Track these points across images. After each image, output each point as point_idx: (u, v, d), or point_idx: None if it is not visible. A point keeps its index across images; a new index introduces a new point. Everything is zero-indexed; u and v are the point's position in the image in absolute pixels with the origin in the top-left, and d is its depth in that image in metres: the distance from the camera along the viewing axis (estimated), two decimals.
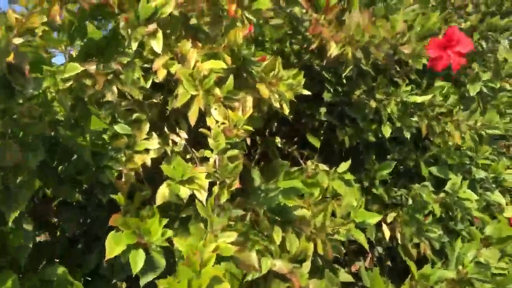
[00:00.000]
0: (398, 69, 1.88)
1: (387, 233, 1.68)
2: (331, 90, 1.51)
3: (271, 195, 0.98)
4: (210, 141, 0.86)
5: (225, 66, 0.91)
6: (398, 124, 1.57)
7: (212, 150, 0.86)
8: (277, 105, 0.99)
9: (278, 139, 1.53)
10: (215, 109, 0.88)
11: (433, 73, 2.08)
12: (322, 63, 1.42)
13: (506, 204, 2.20)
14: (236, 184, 0.84)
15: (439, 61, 1.17)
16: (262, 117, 1.23)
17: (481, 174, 1.93)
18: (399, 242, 1.67)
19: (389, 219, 1.67)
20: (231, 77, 0.90)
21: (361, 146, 1.70)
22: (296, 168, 1.33)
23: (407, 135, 1.60)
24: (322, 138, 1.64)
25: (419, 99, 1.57)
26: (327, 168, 1.44)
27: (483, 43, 1.95)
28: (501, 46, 1.96)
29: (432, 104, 1.61)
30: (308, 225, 1.01)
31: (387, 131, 1.57)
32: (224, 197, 0.83)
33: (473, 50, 1.98)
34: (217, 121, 0.88)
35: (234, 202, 0.95)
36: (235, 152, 0.86)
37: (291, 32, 1.43)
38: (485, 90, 1.94)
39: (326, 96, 1.51)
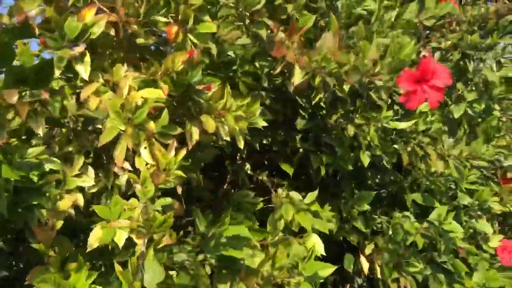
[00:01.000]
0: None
1: (365, 265, 1.50)
2: (305, 115, 1.33)
3: (215, 243, 0.80)
4: (138, 187, 0.68)
5: (163, 96, 0.74)
6: (378, 152, 1.39)
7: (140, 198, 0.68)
8: (227, 138, 0.81)
9: (248, 166, 1.35)
10: (145, 147, 0.70)
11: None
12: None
13: (494, 232, 2.02)
14: (167, 241, 0.66)
15: (413, 97, 0.95)
16: (219, 146, 1.06)
17: (466, 200, 1.75)
18: (379, 275, 1.48)
19: (367, 251, 1.49)
20: (166, 110, 0.73)
21: (339, 175, 1.52)
22: (260, 199, 1.16)
23: (388, 164, 1.42)
24: (297, 165, 1.46)
25: (400, 125, 1.39)
26: (300, 197, 1.27)
27: (468, 62, 1.78)
28: (486, 66, 1.78)
29: (414, 131, 1.43)
30: (256, 275, 0.83)
31: (366, 159, 1.39)
32: (150, 258, 0.65)
33: (457, 71, 1.81)
34: (147, 163, 0.71)
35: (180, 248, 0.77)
36: (167, 200, 0.68)
37: (260, 53, 1.25)
38: (470, 111, 1.76)
39: (299, 124, 1.33)
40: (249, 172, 1.33)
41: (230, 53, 1.28)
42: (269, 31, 1.05)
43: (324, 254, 1.12)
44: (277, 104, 1.30)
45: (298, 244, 1.07)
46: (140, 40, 0.87)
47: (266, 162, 1.47)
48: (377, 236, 1.57)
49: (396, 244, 1.39)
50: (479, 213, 1.77)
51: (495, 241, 1.71)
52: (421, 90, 0.98)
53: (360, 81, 0.95)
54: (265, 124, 0.92)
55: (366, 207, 1.50)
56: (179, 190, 0.75)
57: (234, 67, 1.25)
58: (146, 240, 0.65)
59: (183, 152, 0.70)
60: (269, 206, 1.26)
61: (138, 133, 0.70)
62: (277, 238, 1.05)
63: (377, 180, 1.66)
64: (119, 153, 0.71)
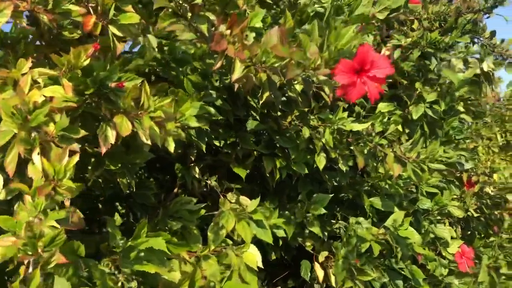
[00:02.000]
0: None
1: (320, 273, 1.43)
2: (257, 116, 1.24)
3: (132, 257, 0.70)
4: (27, 199, 0.58)
5: (65, 94, 0.64)
6: (334, 155, 1.31)
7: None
8: (147, 141, 0.72)
9: (197, 170, 1.25)
10: (38, 153, 0.60)
11: (381, 94, 1.84)
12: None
13: (454, 238, 1.96)
14: (59, 260, 0.56)
15: (351, 89, 0.85)
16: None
17: (426, 204, 1.69)
18: (333, 284, 1.40)
19: (321, 258, 1.41)
20: (64, 111, 0.63)
21: (295, 178, 1.43)
22: (202, 206, 1.07)
23: (343, 167, 1.34)
24: (252, 168, 1.37)
25: (356, 126, 1.31)
26: (248, 202, 1.18)
27: (429, 61, 1.70)
28: (446, 65, 1.71)
29: (371, 133, 1.35)
30: None
31: (321, 162, 1.31)
32: (35, 283, 0.55)
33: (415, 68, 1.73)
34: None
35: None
36: (60, 214, 0.58)
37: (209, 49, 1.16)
38: (430, 113, 1.69)
39: (250, 125, 1.24)
40: (197, 176, 1.23)
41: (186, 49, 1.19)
42: (213, 26, 0.95)
43: (261, 266, 1.03)
44: (228, 104, 1.21)
45: (235, 256, 0.98)
46: (65, 34, 0.77)
47: (220, 166, 1.37)
48: (334, 242, 1.49)
49: (349, 251, 1.31)
50: (439, 217, 1.70)
51: (455, 247, 1.65)
52: (360, 82, 0.88)
53: (300, 76, 0.86)
54: (196, 124, 0.83)
55: (322, 211, 1.41)
56: (67, 203, 0.65)
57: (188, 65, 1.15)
58: (31, 261, 0.55)
59: (75, 159, 0.60)
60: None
61: (32, 137, 0.60)
62: (207, 250, 0.96)
63: (335, 183, 1.58)
64: (10, 161, 0.61)
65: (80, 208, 1.11)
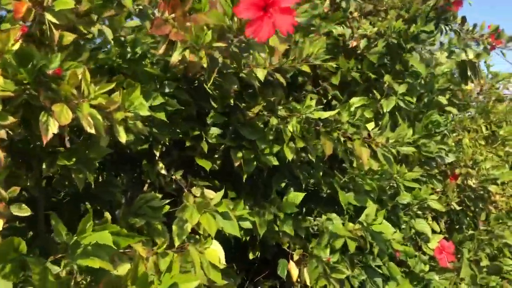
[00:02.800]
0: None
1: (294, 272, 1.41)
2: (218, 108, 1.23)
3: (79, 252, 0.68)
4: None
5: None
6: (301, 145, 1.29)
7: None
8: (91, 130, 0.69)
9: (161, 165, 1.23)
10: None
11: (355, 86, 1.82)
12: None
13: (441, 232, 1.97)
14: None
15: (259, 26, 0.77)
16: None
17: (405, 199, 1.68)
18: (308, 283, 1.39)
19: (295, 256, 1.39)
20: None
21: (266, 171, 1.42)
22: (166, 202, 1.05)
23: (313, 157, 1.33)
24: (221, 162, 1.35)
25: (324, 114, 1.29)
26: (213, 195, 1.16)
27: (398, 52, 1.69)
28: (415, 54, 1.70)
29: (339, 121, 1.33)
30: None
31: (289, 152, 1.29)
32: None
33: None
34: None
35: None
36: None
37: None
38: (402, 104, 1.67)
39: (213, 118, 1.23)
40: (162, 171, 1.21)
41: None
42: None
43: (224, 263, 1.01)
44: (191, 96, 1.19)
45: (198, 252, 0.96)
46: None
47: (187, 160, 1.35)
48: (309, 239, 1.48)
49: (321, 248, 1.30)
50: (419, 212, 1.70)
51: (435, 242, 1.64)
52: (268, 18, 0.81)
53: (230, 44, 0.83)
54: (147, 113, 0.80)
55: (294, 209, 1.40)
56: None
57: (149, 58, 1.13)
58: None
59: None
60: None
61: None
62: (163, 247, 0.94)
63: (311, 180, 1.57)
64: None
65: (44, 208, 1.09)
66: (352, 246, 1.37)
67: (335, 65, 1.67)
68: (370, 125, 1.57)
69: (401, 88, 1.61)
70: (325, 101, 1.76)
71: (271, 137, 1.30)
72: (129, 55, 1.13)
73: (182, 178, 1.24)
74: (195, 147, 1.27)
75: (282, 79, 1.21)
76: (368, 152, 1.24)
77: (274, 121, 1.29)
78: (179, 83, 1.20)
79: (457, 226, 2.26)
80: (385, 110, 1.59)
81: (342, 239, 1.38)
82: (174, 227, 1.04)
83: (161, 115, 1.02)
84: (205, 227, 1.00)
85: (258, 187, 1.54)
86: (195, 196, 1.12)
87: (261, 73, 1.15)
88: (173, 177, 1.24)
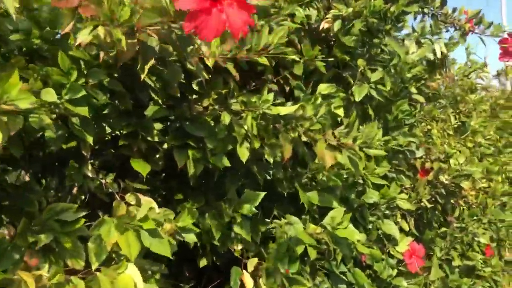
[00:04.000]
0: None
1: (248, 283, 1.30)
2: (159, 100, 1.09)
3: None
4: None
5: None
6: (257, 145, 1.17)
7: None
8: None
9: (89, 167, 1.08)
10: None
11: (321, 75, 1.70)
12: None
13: (407, 230, 1.88)
14: None
15: (204, 21, 0.62)
16: None
17: (372, 198, 1.58)
18: None
19: (250, 267, 1.27)
20: None
21: (217, 173, 1.29)
22: (81, 215, 0.91)
23: (270, 158, 1.21)
24: (165, 162, 1.21)
25: (283, 110, 1.17)
26: (153, 204, 1.02)
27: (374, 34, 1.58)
28: (391, 40, 1.60)
29: (301, 118, 1.21)
30: None
31: (244, 154, 1.17)
32: None
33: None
34: None
35: None
36: None
37: None
38: (374, 93, 1.57)
39: (150, 111, 1.09)
40: (89, 174, 1.06)
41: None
42: None
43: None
44: (124, 85, 1.04)
45: (107, 279, 0.82)
46: None
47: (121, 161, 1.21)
48: (266, 245, 1.36)
49: (279, 257, 1.18)
50: (387, 212, 1.61)
51: (404, 245, 1.55)
52: (218, 11, 0.65)
53: (161, 30, 0.70)
54: (28, 106, 0.66)
55: (253, 210, 1.28)
56: None
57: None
58: None
59: None
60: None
61: None
62: (57, 277, 0.79)
63: (268, 177, 1.45)
64: None
65: None
66: (313, 253, 1.26)
67: (296, 55, 1.55)
68: (340, 112, 1.46)
69: (375, 76, 1.50)
70: (288, 89, 1.64)
71: (222, 135, 1.17)
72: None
73: (114, 182, 1.09)
74: (131, 145, 1.12)
75: (234, 71, 1.08)
76: (332, 156, 1.13)
77: (226, 117, 1.16)
78: (111, 71, 1.05)
79: (427, 224, 2.19)
80: (356, 99, 1.48)
81: (302, 246, 1.27)
82: (90, 246, 0.89)
83: (83, 110, 0.87)
84: (123, 250, 0.86)
85: (210, 185, 1.41)
86: (128, 205, 0.98)
87: (209, 63, 1.02)
88: (103, 180, 1.09)
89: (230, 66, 1.11)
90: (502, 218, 2.26)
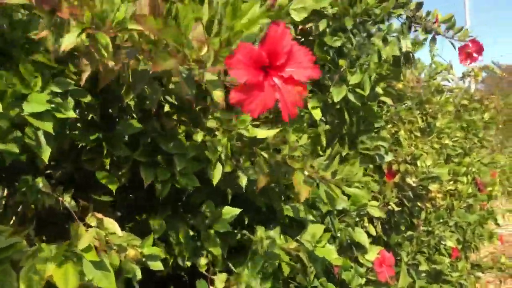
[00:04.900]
0: None
1: None
2: (134, 114, 1.09)
3: None
4: None
5: None
6: (229, 168, 1.18)
7: None
8: None
9: (44, 182, 1.05)
10: None
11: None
12: None
13: (374, 235, 1.94)
14: None
15: (254, 95, 0.61)
16: None
17: (341, 204, 1.62)
18: None
19: (219, 283, 1.28)
20: None
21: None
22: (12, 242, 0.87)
23: (243, 183, 1.22)
24: (129, 177, 1.21)
25: (260, 134, 1.18)
26: (115, 226, 1.02)
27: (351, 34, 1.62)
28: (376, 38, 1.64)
29: (282, 142, 1.23)
30: None
31: (216, 176, 1.18)
32: None
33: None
34: None
35: None
36: None
37: None
38: (352, 98, 1.61)
39: (122, 125, 1.09)
40: (43, 189, 1.04)
41: None
42: None
43: None
44: (95, 97, 1.04)
45: None
46: None
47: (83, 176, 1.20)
48: (235, 259, 1.38)
49: (252, 274, 1.21)
50: (357, 219, 1.66)
51: (374, 253, 1.61)
52: (270, 85, 0.64)
53: (177, 72, 0.71)
54: None
55: (227, 227, 1.29)
56: None
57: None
58: None
59: None
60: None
61: None
62: None
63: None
64: None
65: None
66: (286, 269, 1.29)
67: None
68: (317, 113, 1.48)
69: (354, 78, 1.53)
70: None
71: (193, 153, 1.18)
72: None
73: (72, 199, 1.07)
74: (95, 159, 1.12)
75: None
76: (308, 190, 1.15)
77: (199, 135, 1.17)
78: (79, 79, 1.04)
79: (394, 227, 2.27)
80: (335, 100, 1.51)
81: (276, 262, 1.30)
82: (21, 279, 0.82)
83: (47, 126, 0.86)
84: (58, 283, 0.81)
85: (178, 196, 1.42)
86: (89, 226, 0.98)
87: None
88: (60, 198, 1.07)
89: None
90: (467, 220, 2.36)
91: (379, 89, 2.23)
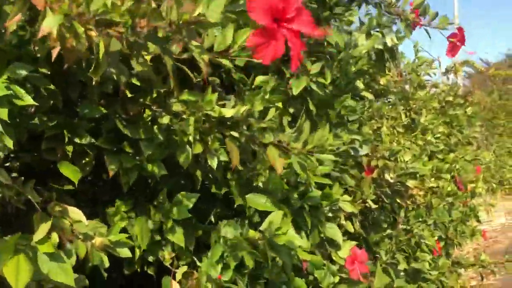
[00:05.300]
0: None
1: None
2: (93, 96, 1.09)
3: None
4: None
5: None
6: (199, 150, 1.19)
7: None
8: None
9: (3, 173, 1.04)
10: None
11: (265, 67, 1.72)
12: None
13: (352, 232, 1.95)
14: None
15: (268, 43, 0.71)
16: None
17: (314, 200, 1.62)
18: None
19: (178, 275, 1.28)
20: None
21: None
22: None
23: (214, 164, 1.22)
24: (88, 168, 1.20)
25: (228, 112, 1.18)
26: (81, 215, 1.02)
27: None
28: (333, 30, 1.64)
29: (247, 119, 1.23)
30: None
31: (185, 160, 1.18)
32: None
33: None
34: None
35: None
36: None
37: None
38: (314, 87, 1.60)
39: (82, 110, 1.08)
40: (3, 181, 1.03)
41: None
42: None
43: None
44: (54, 81, 1.03)
45: None
46: None
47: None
48: (200, 252, 1.38)
49: (212, 264, 1.21)
50: (330, 215, 1.66)
51: (346, 250, 1.61)
52: (282, 34, 0.74)
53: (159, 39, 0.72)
54: None
55: (187, 214, 1.29)
56: None
57: None
58: None
59: None
60: None
61: None
62: None
63: (210, 175, 1.46)
64: None
65: None
66: (250, 261, 1.29)
67: None
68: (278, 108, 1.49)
69: (315, 67, 1.53)
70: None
71: (160, 139, 1.18)
72: None
73: (34, 189, 1.07)
74: (55, 148, 1.11)
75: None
76: (283, 162, 1.16)
77: (165, 119, 1.17)
78: (38, 65, 1.03)
79: (373, 225, 2.28)
80: (294, 92, 1.51)
81: (239, 253, 1.30)
82: None
83: (2, 113, 0.86)
84: (8, 277, 0.79)
85: (141, 186, 1.41)
86: (52, 217, 0.97)
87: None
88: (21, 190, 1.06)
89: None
90: (446, 220, 2.38)
91: (359, 84, 2.24)
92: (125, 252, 1.07)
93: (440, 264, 2.49)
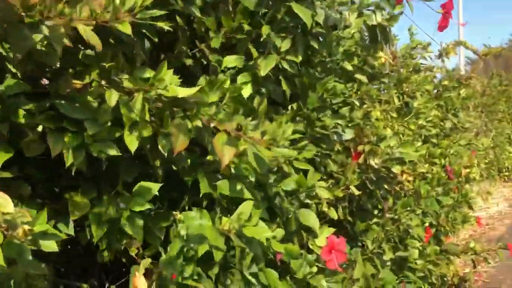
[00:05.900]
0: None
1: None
2: (17, 72, 0.98)
3: None
4: None
5: None
6: (148, 133, 1.07)
7: None
8: None
9: None
10: None
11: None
12: None
13: (336, 218, 1.84)
14: None
15: None
16: None
17: (290, 185, 1.51)
18: None
19: (142, 267, 1.18)
20: None
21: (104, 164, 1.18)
22: None
23: (165, 150, 1.11)
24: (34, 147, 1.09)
25: (181, 92, 1.07)
26: (8, 201, 0.90)
27: None
28: (319, 11, 1.51)
29: (203, 102, 1.11)
30: None
31: (132, 142, 1.08)
32: None
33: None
34: None
35: None
36: None
37: None
38: (286, 66, 1.47)
39: (6, 86, 0.98)
40: None
41: None
42: None
43: None
44: None
45: None
46: None
47: None
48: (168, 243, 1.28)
49: (172, 257, 1.10)
50: (307, 201, 1.54)
51: (323, 238, 1.50)
52: None
53: None
54: None
55: (145, 205, 1.19)
56: None
57: None
58: None
59: None
60: None
61: None
62: None
63: (173, 167, 1.35)
64: None
65: None
66: (218, 254, 1.19)
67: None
68: (247, 91, 1.38)
69: (284, 44, 1.41)
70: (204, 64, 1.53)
71: (106, 119, 1.07)
72: None
73: None
74: None
75: (95, 40, 0.93)
76: (233, 152, 1.04)
77: (112, 96, 1.05)
78: None
79: (359, 213, 2.16)
80: (262, 73, 1.39)
81: (205, 245, 1.20)
82: None
83: None
84: None
85: (103, 174, 1.31)
86: None
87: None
88: None
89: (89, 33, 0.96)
90: (435, 209, 2.27)
91: (347, 65, 2.12)
92: (49, 246, 0.92)
93: (428, 251, 2.38)
